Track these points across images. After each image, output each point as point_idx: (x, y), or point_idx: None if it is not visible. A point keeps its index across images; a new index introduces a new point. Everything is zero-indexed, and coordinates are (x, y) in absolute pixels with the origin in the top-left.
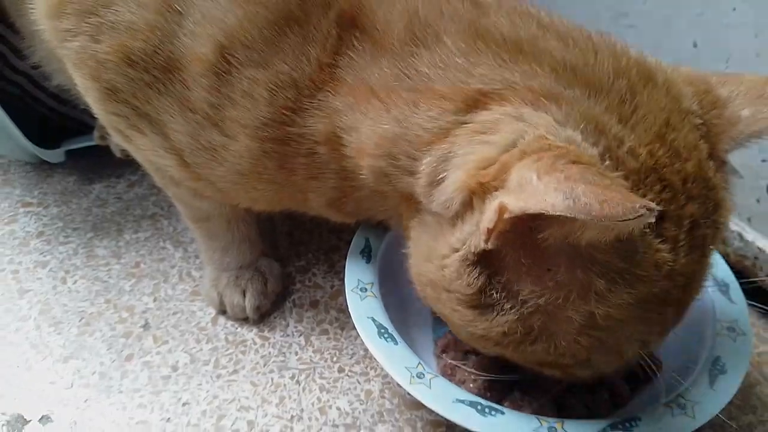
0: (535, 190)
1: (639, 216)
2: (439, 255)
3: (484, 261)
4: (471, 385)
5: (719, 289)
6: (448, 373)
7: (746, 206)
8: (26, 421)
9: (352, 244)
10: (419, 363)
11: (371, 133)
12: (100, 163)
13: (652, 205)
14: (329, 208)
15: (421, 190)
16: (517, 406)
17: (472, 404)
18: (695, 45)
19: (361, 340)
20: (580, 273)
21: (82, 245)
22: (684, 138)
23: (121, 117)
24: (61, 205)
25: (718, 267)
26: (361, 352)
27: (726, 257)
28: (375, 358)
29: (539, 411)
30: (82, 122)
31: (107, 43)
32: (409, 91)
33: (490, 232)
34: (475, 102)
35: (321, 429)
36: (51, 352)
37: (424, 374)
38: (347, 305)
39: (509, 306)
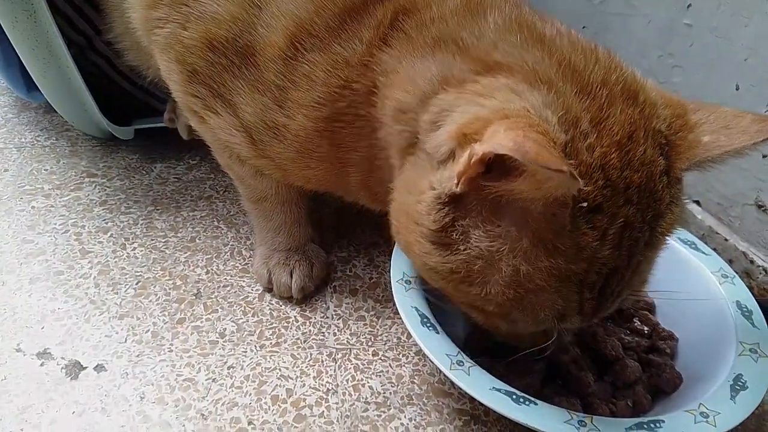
0: (496, 138)
1: (559, 172)
2: (419, 190)
3: (453, 203)
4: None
5: (742, 313)
6: None
7: None
8: (83, 368)
9: None
10: (459, 351)
11: (411, 69)
12: (163, 145)
13: (575, 173)
14: (361, 187)
15: (423, 126)
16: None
17: (507, 393)
18: (737, 88)
19: (396, 329)
20: (515, 231)
21: (142, 217)
22: (642, 152)
23: (199, 98)
24: (123, 179)
25: (742, 294)
26: (395, 340)
27: (750, 290)
28: (413, 345)
29: (569, 407)
30: (150, 105)
31: (194, 30)
32: (453, 45)
33: (460, 175)
34: (489, 69)
35: (354, 404)
36: (108, 309)
37: (463, 362)
38: (387, 296)
39: (462, 247)
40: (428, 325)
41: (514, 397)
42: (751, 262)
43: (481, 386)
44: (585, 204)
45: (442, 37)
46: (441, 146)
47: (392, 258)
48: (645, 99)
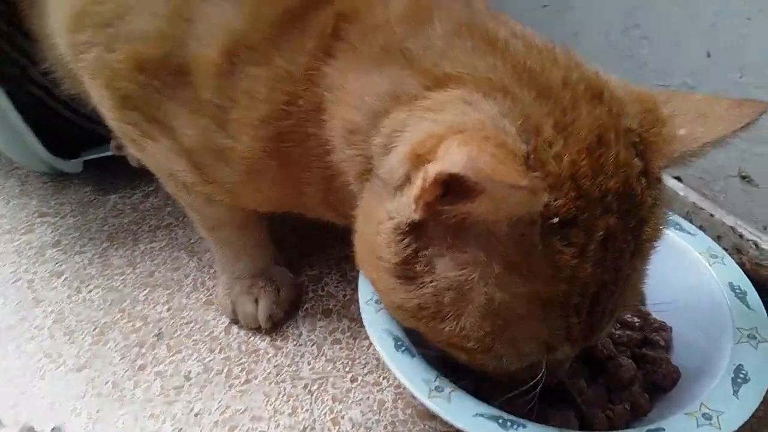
0: (448, 155)
1: (518, 188)
2: (376, 220)
3: (413, 232)
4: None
5: (736, 295)
6: None
7: (763, 215)
8: None
9: None
10: (437, 376)
11: (358, 84)
12: (116, 174)
13: (539, 186)
14: (323, 204)
15: (376, 150)
16: (540, 418)
17: (493, 418)
18: (709, 55)
19: (374, 349)
20: (483, 256)
21: (97, 255)
22: (615, 155)
23: (134, 125)
24: (77, 215)
25: (734, 274)
26: (374, 362)
27: (742, 266)
28: (391, 371)
29: (562, 423)
30: (97, 134)
31: (121, 52)
32: (394, 56)
33: (417, 201)
34: (438, 82)
35: None
36: (65, 362)
37: (443, 387)
38: (361, 315)
39: (428, 279)
40: (402, 348)
41: (500, 421)
42: (740, 236)
43: (464, 413)
44: (556, 219)
45: (388, 47)
46: (395, 170)
47: (359, 277)
48: (611, 96)
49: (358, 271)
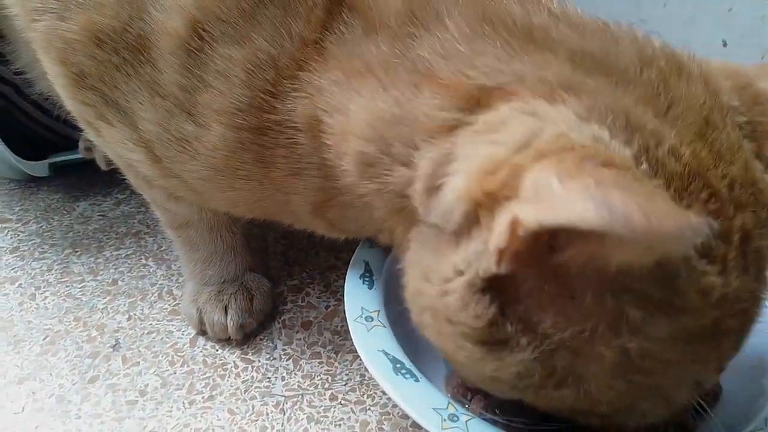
0: (558, 199)
1: (695, 233)
2: (440, 278)
3: (495, 287)
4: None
5: None
6: None
7: None
8: None
9: (349, 268)
10: (450, 403)
11: (363, 111)
12: (88, 182)
13: (712, 221)
14: (314, 216)
15: (417, 197)
16: None
17: None
18: (725, 44)
19: (358, 364)
20: (610, 301)
21: (57, 262)
22: (726, 137)
23: (89, 106)
24: (41, 222)
25: None
26: (357, 378)
27: None
28: (389, 395)
29: None
30: (68, 137)
31: (74, 20)
32: (410, 72)
33: (501, 252)
34: (477, 100)
35: None
36: (5, 373)
37: (458, 416)
38: (347, 326)
39: (526, 342)
40: (403, 371)
41: None
42: None
43: None
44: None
45: (394, 57)
46: (451, 213)
47: (346, 291)
48: (700, 71)
49: (343, 282)
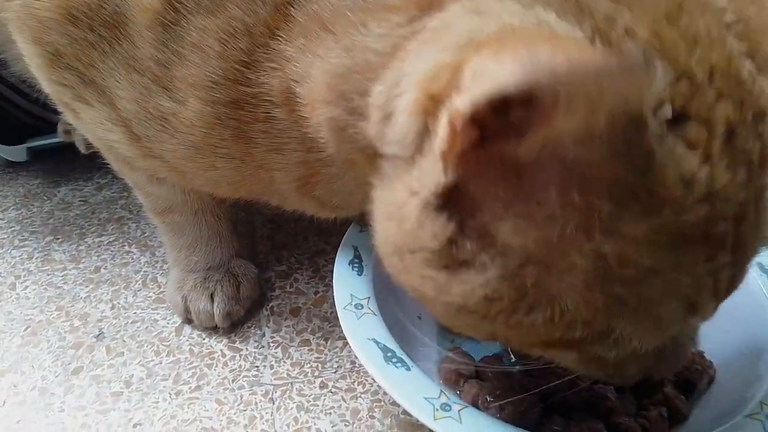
0: (489, 73)
1: (630, 67)
2: (396, 205)
3: (450, 202)
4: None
5: None
6: None
7: None
8: None
9: (338, 254)
10: (442, 391)
11: (322, 73)
12: (69, 166)
13: (638, 57)
14: (300, 193)
15: (374, 133)
16: None
17: None
18: None
19: (348, 351)
20: (578, 196)
21: (38, 249)
22: (705, 25)
23: (66, 86)
24: (20, 209)
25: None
26: (348, 365)
27: None
28: (379, 384)
29: None
30: (47, 120)
31: None
32: (357, 11)
33: (445, 156)
34: (429, 4)
35: None
36: None
37: (450, 405)
38: (337, 319)
39: (488, 258)
40: (394, 360)
41: None
42: None
43: None
44: (668, 109)
45: (341, 2)
46: (405, 132)
47: (334, 278)
48: None
49: (332, 267)
